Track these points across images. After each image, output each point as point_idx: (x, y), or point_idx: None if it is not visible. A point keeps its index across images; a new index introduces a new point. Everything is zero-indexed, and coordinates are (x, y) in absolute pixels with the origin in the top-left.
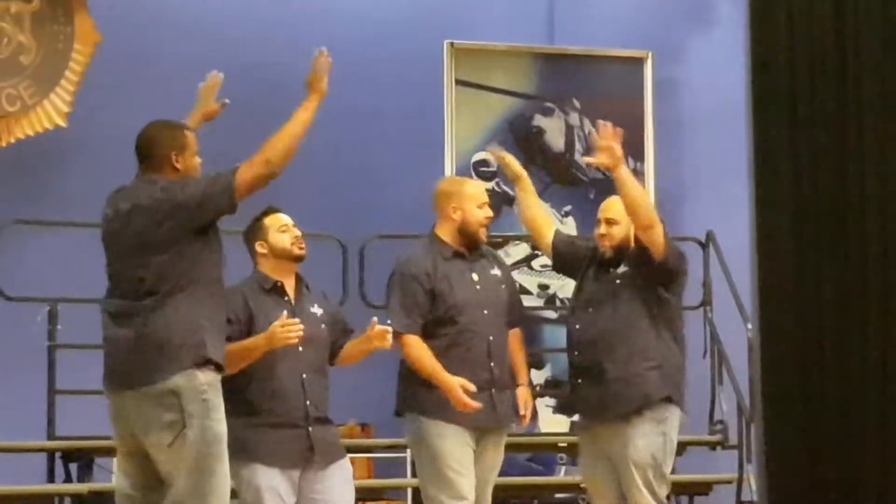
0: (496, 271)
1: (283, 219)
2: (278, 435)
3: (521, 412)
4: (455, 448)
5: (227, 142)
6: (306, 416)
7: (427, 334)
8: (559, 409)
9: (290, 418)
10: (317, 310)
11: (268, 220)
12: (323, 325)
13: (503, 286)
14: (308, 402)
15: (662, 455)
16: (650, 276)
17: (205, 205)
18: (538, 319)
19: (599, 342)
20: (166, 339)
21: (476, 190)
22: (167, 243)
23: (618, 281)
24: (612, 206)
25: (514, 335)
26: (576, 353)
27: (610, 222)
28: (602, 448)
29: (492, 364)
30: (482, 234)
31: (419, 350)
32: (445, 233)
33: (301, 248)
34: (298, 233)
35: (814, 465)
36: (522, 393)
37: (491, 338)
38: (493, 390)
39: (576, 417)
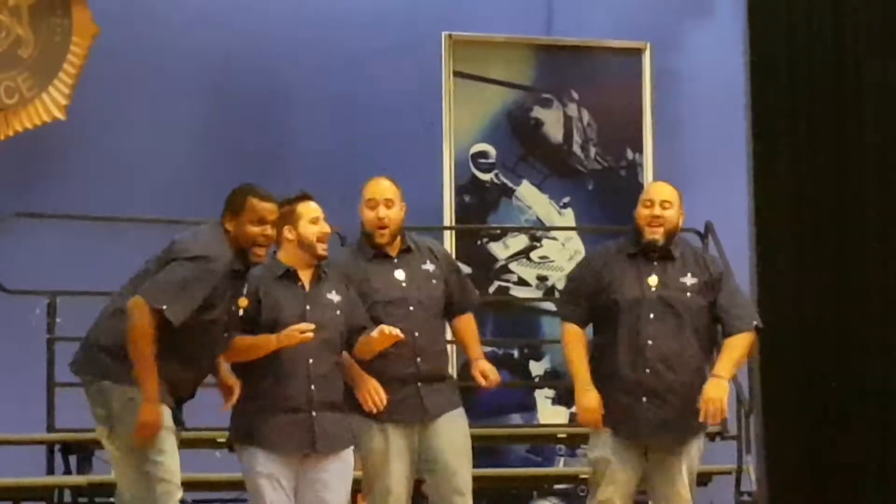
0: (428, 266)
1: (315, 209)
2: (280, 420)
3: (484, 379)
4: (375, 446)
5: (227, 133)
6: (310, 402)
7: None
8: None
9: (292, 403)
10: (334, 296)
11: (301, 207)
12: (338, 312)
13: (434, 281)
14: (313, 387)
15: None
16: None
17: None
18: (537, 311)
19: (674, 363)
20: (109, 349)
21: (366, 189)
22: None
23: (689, 294)
24: (663, 188)
25: (466, 318)
26: (647, 370)
27: (664, 205)
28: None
29: (418, 359)
30: (378, 235)
31: None
32: (362, 233)
33: (324, 250)
34: (328, 229)
35: (813, 456)
36: (480, 365)
37: (417, 334)
38: (419, 384)
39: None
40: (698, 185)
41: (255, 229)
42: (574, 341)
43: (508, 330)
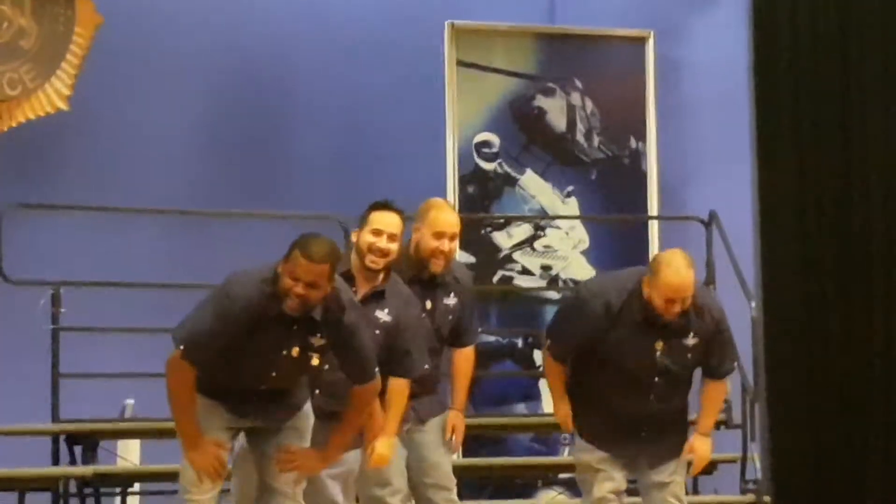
0: (450, 300)
1: (382, 220)
2: None
3: (447, 437)
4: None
5: (230, 124)
6: (315, 408)
7: None
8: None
9: (327, 410)
10: (384, 315)
11: (372, 215)
12: (377, 332)
13: (451, 316)
14: (317, 391)
15: None
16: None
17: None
18: (541, 300)
19: (672, 412)
20: None
21: (436, 219)
22: None
23: (689, 355)
24: (687, 288)
25: (465, 354)
26: (645, 426)
27: (685, 301)
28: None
29: (413, 383)
30: (433, 264)
31: None
32: (412, 253)
33: (373, 262)
34: (383, 245)
35: (817, 443)
36: (451, 418)
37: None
38: (413, 399)
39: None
40: (702, 174)
41: (288, 282)
42: (558, 373)
43: (512, 319)
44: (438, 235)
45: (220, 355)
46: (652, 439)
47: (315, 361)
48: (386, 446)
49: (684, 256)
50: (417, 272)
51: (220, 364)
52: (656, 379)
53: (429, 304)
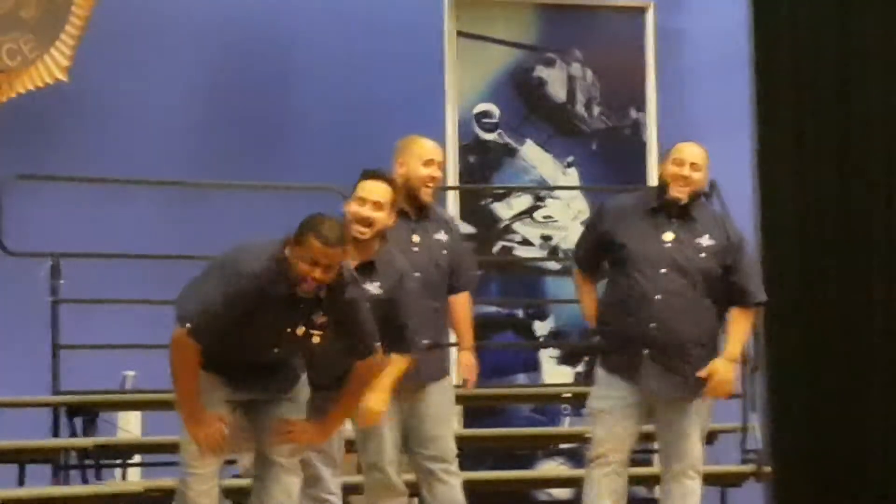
0: (440, 236)
1: (366, 188)
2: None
3: (466, 376)
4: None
5: (231, 94)
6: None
7: None
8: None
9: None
10: (372, 288)
11: (360, 185)
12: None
13: (445, 251)
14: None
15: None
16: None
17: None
18: (541, 271)
19: (684, 320)
20: None
21: (424, 147)
22: None
23: (703, 255)
24: (696, 150)
25: (462, 299)
26: (653, 325)
27: (695, 167)
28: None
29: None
30: (425, 193)
31: None
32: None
33: (359, 232)
34: (366, 214)
35: (818, 412)
36: (464, 358)
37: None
38: (420, 356)
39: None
40: (702, 143)
41: (304, 267)
42: (587, 291)
43: (513, 290)
44: (428, 163)
45: (225, 332)
46: (661, 367)
47: (317, 339)
48: (379, 402)
49: None
50: (407, 205)
51: (224, 340)
52: (663, 270)
53: (416, 238)
